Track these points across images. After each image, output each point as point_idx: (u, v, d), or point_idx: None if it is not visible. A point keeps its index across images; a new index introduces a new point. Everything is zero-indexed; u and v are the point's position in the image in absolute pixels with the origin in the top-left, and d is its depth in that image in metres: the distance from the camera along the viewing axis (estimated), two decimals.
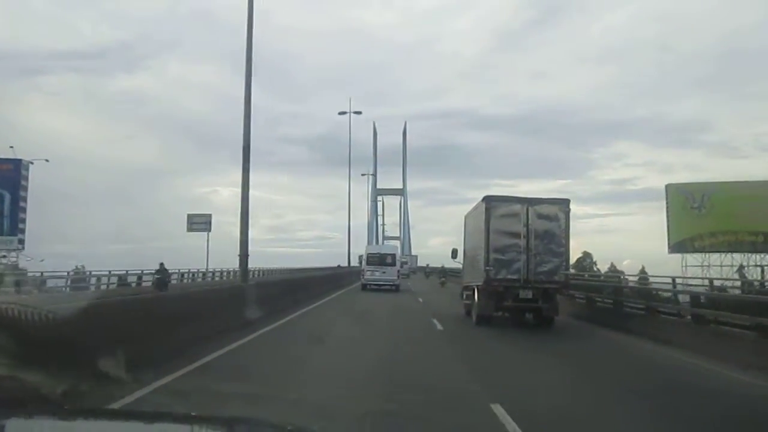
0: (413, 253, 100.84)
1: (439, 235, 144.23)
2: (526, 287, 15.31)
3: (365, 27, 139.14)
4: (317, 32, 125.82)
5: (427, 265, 67.45)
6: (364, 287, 34.26)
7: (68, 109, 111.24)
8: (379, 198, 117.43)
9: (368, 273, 34.97)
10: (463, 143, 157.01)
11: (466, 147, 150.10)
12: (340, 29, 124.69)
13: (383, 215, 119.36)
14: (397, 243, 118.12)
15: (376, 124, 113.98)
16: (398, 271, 36.00)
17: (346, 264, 58.01)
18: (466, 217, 19.22)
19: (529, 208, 15.42)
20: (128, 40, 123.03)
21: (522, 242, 15.28)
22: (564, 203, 15.58)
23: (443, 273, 42.91)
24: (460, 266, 21.40)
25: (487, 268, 15.30)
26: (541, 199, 15.64)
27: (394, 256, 36.44)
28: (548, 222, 15.41)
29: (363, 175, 74.97)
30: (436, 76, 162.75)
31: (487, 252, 15.34)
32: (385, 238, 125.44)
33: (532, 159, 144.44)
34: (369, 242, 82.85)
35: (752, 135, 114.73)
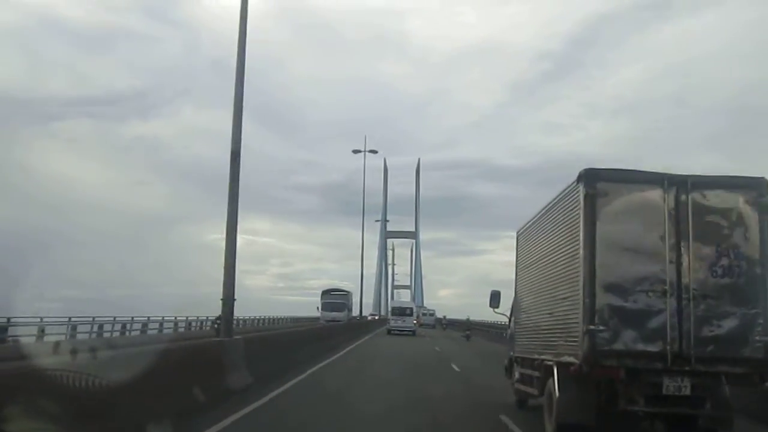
0: (425, 302, 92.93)
1: (448, 286, 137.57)
2: (680, 372, 6.88)
3: (380, 78, 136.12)
4: (332, 81, 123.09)
5: (444, 317, 64.22)
6: (389, 332, 44.37)
7: (82, 155, 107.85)
8: (389, 245, 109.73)
9: (392, 321, 46.24)
10: (473, 194, 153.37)
11: (476, 198, 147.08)
12: (354, 79, 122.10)
13: (393, 255, 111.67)
14: (408, 292, 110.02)
15: (389, 174, 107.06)
16: (414, 320, 47.30)
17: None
18: (519, 236, 10.93)
19: (681, 195, 7.09)
20: (142, 87, 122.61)
21: (668, 271, 6.93)
22: (756, 186, 7.18)
23: (468, 326, 43.84)
24: (504, 320, 13.06)
25: (592, 327, 6.86)
26: (704, 177, 7.28)
27: (411, 309, 48.80)
28: (724, 226, 7.05)
29: (377, 221, 69.55)
30: (448, 126, 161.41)
31: (591, 292, 6.92)
32: (395, 287, 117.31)
33: None
34: (377, 291, 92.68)
35: None
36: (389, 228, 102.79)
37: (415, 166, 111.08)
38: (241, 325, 41.71)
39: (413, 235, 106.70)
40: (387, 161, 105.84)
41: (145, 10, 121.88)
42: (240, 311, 48.45)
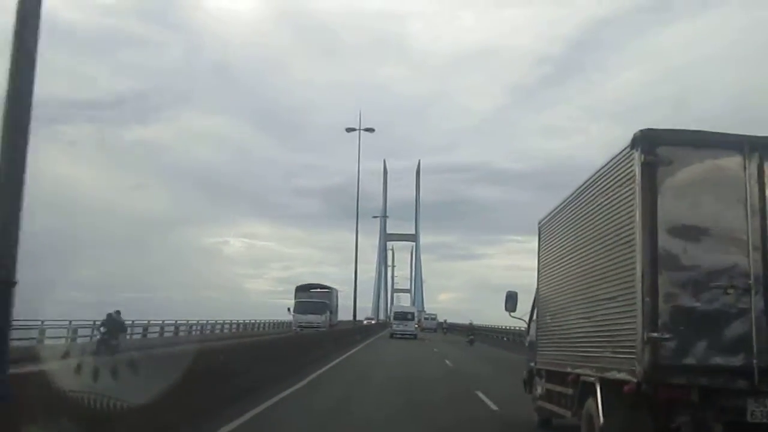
0: (425, 306, 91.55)
1: (448, 290, 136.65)
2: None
3: (380, 81, 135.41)
4: (333, 85, 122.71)
5: (445, 320, 63.30)
6: (392, 335, 47.53)
7: (83, 158, 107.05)
8: (389, 247, 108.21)
9: (395, 325, 49.10)
10: (473, 197, 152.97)
11: (476, 201, 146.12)
12: (355, 82, 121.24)
13: (393, 258, 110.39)
14: (407, 296, 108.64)
15: (389, 177, 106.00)
16: (415, 325, 50.03)
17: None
18: (542, 226, 9.33)
19: (766, 162, 5.51)
20: (144, 91, 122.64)
21: (753, 260, 5.33)
22: None
23: (471, 330, 43.02)
24: (521, 324, 11.46)
25: (655, 335, 5.24)
26: None
27: (413, 314, 52.16)
28: None
29: (374, 217, 69.55)
30: (448, 130, 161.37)
31: (651, 289, 5.31)
32: (394, 290, 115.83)
33: None
34: (376, 294, 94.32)
35: None
36: (389, 230, 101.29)
37: (415, 169, 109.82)
38: (192, 333, 33.65)
39: (413, 237, 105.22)
40: (387, 165, 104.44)
41: (144, 13, 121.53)
42: (237, 314, 46.35)
